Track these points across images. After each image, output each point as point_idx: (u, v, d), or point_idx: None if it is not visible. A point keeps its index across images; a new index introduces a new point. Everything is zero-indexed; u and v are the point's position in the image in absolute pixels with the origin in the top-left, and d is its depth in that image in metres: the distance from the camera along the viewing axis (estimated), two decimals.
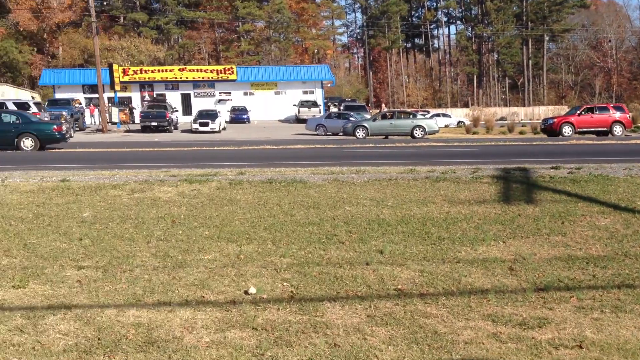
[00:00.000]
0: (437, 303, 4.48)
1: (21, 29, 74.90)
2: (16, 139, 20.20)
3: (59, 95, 48.84)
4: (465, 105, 76.42)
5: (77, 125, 35.81)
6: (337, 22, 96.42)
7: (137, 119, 41.49)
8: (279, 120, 51.16)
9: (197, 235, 6.43)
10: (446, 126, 45.79)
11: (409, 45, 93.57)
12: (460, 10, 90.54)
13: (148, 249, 5.93)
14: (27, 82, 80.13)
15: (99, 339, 3.82)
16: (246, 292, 4.72)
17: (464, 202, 8.10)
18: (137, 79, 50.88)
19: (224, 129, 39.25)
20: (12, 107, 28.26)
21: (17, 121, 21.01)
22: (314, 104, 48.81)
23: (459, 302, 4.49)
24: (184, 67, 56.50)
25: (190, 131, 37.05)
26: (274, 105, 52.78)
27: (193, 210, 7.70)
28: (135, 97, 51.26)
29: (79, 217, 7.27)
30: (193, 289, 4.80)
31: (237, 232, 6.54)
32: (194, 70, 53.42)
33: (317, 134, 33.19)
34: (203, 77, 52.19)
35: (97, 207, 7.90)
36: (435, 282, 4.96)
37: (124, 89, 46.82)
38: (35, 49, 78.82)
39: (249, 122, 48.12)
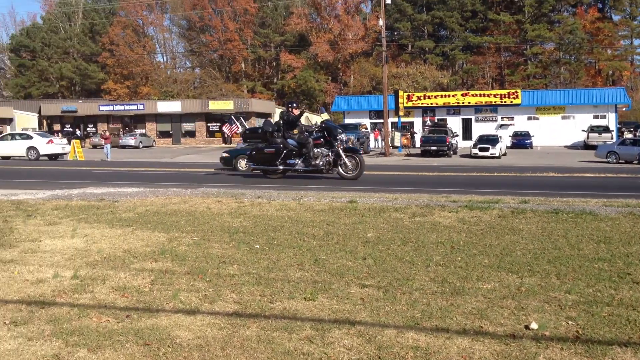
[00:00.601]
0: None
1: (319, 60, 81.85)
2: None
3: (348, 121, 52.25)
4: None
5: (362, 148, 37.88)
6: (637, 42, 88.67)
7: (418, 143, 42.54)
8: (565, 146, 48.51)
9: (476, 263, 6.34)
10: None
11: None
12: None
13: (427, 273, 6.00)
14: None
15: (379, 358, 3.95)
16: (527, 327, 4.51)
17: None
18: (420, 105, 52.24)
19: (505, 154, 38.38)
20: None
21: None
22: (606, 130, 45.38)
23: None
24: (466, 92, 56.59)
25: (470, 156, 36.86)
26: (559, 131, 50.20)
27: (472, 237, 7.62)
28: (417, 122, 52.66)
29: (364, 237, 7.65)
30: (471, 317, 4.73)
31: (518, 263, 6.31)
32: (476, 95, 53.19)
33: (607, 162, 30.78)
34: (485, 102, 51.70)
35: (380, 228, 8.24)
36: None
37: (407, 114, 48.42)
38: (330, 78, 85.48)
39: (531, 147, 46.38)
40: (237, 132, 19.93)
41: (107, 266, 6.31)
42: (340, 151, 17.12)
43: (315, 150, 17.13)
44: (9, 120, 66.15)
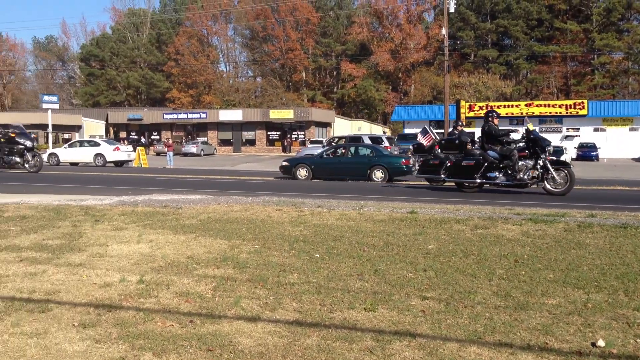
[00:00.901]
0: None
1: (380, 69, 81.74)
2: (368, 171, 22.03)
3: (407, 130, 51.99)
4: None
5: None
6: None
7: None
8: (633, 159, 47.04)
9: (540, 278, 6.20)
10: None
11: None
12: None
13: (489, 286, 5.90)
14: (380, 117, 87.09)
15: None
16: (594, 344, 4.38)
17: None
18: (482, 115, 51.46)
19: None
20: (367, 141, 30.99)
21: (371, 154, 22.93)
22: None
23: None
24: (530, 102, 55.50)
25: None
26: (627, 143, 48.75)
27: (537, 251, 7.46)
28: (479, 132, 51.92)
29: (424, 249, 7.58)
30: (535, 333, 4.63)
31: (585, 279, 6.13)
32: (541, 105, 52.13)
33: None
34: (550, 112, 50.61)
35: (441, 240, 8.15)
36: None
37: (468, 124, 47.84)
38: (390, 87, 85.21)
39: (597, 160, 45.13)
40: (429, 143, 19.66)
41: (171, 272, 6.45)
42: (549, 164, 15.76)
43: (520, 163, 15.87)
44: (77, 128, 68.61)
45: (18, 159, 24.19)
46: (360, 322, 4.86)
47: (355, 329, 4.69)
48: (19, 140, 24.20)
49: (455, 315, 5.02)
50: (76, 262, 6.88)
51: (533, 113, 50.48)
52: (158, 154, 57.41)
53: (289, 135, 62.25)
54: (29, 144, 24.38)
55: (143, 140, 64.90)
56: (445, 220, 9.61)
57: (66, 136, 66.64)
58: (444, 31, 39.87)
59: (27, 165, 24.24)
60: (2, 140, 24.34)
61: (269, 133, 63.05)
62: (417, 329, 4.71)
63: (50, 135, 49.23)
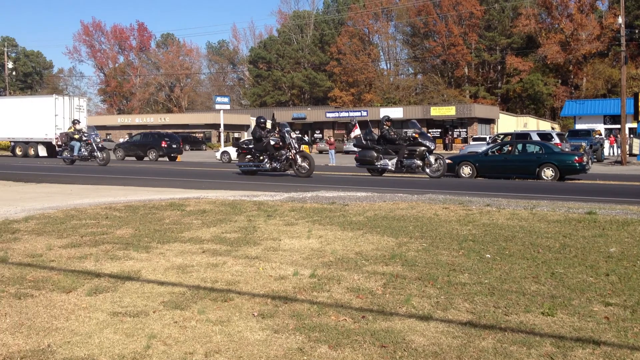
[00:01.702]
0: None
1: (548, 62, 77.95)
2: (537, 169, 21.12)
3: (579, 126, 49.19)
4: None
5: (594, 156, 35.43)
6: None
7: None
8: None
9: None
10: None
11: None
12: None
13: None
14: (549, 113, 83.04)
15: None
16: None
17: None
18: None
19: None
20: (535, 137, 29.73)
21: (540, 151, 21.98)
22: None
23: None
24: None
25: None
26: None
27: None
28: None
29: (605, 252, 7.12)
30: None
31: None
32: None
33: None
34: None
35: (624, 243, 7.61)
36: None
37: None
38: (559, 81, 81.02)
39: None
40: None
41: (341, 267, 6.57)
42: None
43: None
44: (246, 127, 72.21)
45: (419, 162, 21.96)
46: (538, 327, 4.66)
47: (533, 334, 4.50)
48: (421, 141, 22.15)
49: None
50: (252, 254, 7.22)
51: None
52: (320, 152, 58.87)
53: (450, 133, 61.29)
54: (431, 145, 22.24)
55: (306, 138, 66.89)
56: (629, 221, 8.96)
57: (236, 135, 70.41)
58: (620, 20, 37.17)
59: (428, 170, 22.04)
60: (400, 142, 22.75)
61: (429, 130, 62.44)
62: (601, 336, 4.43)
63: (222, 135, 52.19)
